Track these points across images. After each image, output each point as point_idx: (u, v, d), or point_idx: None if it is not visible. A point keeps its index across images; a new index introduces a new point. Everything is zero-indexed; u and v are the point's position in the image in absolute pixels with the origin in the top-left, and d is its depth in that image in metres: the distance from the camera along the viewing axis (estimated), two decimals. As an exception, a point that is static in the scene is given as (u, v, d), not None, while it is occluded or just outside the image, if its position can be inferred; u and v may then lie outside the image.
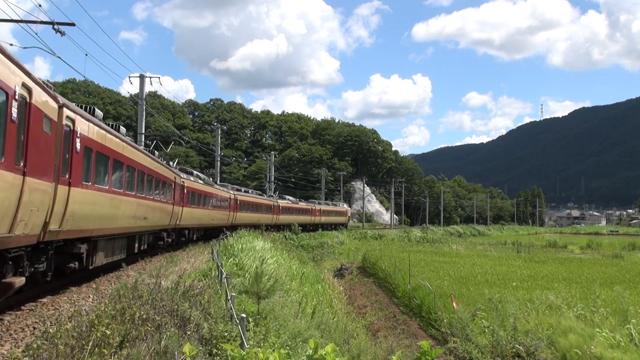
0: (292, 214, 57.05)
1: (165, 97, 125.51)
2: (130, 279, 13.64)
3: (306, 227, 58.75)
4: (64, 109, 10.96)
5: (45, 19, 17.66)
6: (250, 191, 43.72)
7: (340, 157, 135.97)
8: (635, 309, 13.45)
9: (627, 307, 12.69)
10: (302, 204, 63.62)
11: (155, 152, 23.95)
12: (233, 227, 37.57)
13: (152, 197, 19.35)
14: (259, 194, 47.49)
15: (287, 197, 62.01)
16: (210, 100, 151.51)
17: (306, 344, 9.21)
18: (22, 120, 8.56)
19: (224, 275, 12.13)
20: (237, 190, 41.34)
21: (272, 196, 53.83)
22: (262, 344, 8.06)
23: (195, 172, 32.01)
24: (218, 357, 6.93)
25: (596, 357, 10.00)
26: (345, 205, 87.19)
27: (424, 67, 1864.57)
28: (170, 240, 24.66)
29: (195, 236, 31.51)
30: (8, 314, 9.50)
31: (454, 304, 14.67)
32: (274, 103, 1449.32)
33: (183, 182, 26.22)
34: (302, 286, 19.61)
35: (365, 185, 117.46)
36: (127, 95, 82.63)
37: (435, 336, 14.72)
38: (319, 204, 71.59)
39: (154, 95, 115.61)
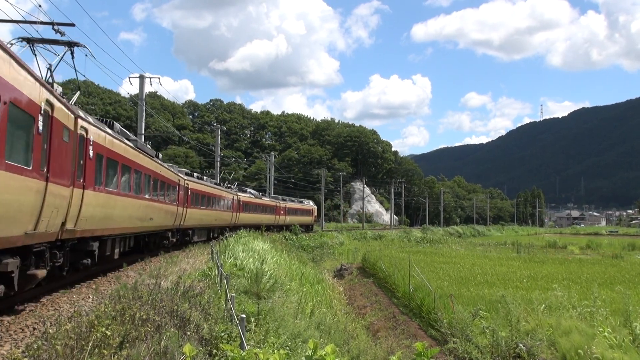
0: (254, 211, 47.36)
1: (165, 98, 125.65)
2: (130, 279, 13.65)
3: (268, 229, 46.83)
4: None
5: (45, 19, 17.63)
6: (205, 178, 34.20)
7: (340, 157, 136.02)
8: (636, 309, 13.44)
9: (629, 307, 12.67)
10: (266, 200, 53.58)
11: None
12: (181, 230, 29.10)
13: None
14: (216, 184, 37.22)
15: (249, 190, 51.99)
16: (210, 100, 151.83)
17: (306, 344, 9.20)
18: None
19: (223, 276, 12.12)
20: (188, 175, 29.75)
21: (230, 187, 42.36)
22: (261, 345, 8.06)
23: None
24: (218, 358, 6.92)
25: (596, 358, 9.99)
26: (311, 203, 76.22)
27: (424, 68, 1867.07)
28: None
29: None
30: (8, 315, 9.50)
31: (452, 305, 14.67)
32: (274, 103, 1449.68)
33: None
34: (302, 286, 19.60)
35: (365, 185, 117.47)
36: (127, 95, 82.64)
37: (435, 337, 14.71)
38: (284, 200, 62.33)
39: (153, 95, 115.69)
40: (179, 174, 26.04)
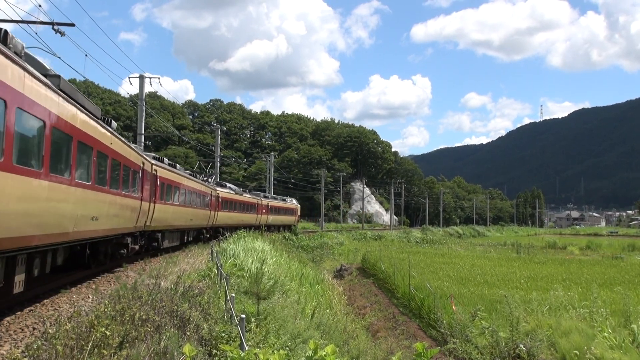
0: (234, 209, 40.37)
1: (165, 98, 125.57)
2: (130, 279, 13.64)
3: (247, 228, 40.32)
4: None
5: (45, 19, 17.66)
6: (177, 166, 26.92)
7: (339, 157, 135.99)
8: (636, 310, 13.44)
9: (629, 307, 12.67)
10: (247, 197, 45.99)
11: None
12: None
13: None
14: (191, 174, 30.47)
15: (229, 184, 43.46)
16: (210, 100, 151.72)
17: (306, 345, 9.20)
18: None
19: (223, 276, 12.12)
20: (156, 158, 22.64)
21: (207, 180, 35.87)
22: (261, 345, 8.05)
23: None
24: (218, 358, 6.92)
25: (596, 358, 9.99)
26: (294, 201, 68.32)
27: (424, 68, 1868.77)
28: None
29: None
30: (8, 315, 9.49)
31: (453, 306, 14.67)
32: (274, 104, 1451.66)
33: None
34: (302, 287, 19.60)
35: (365, 186, 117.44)
36: (127, 95, 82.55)
37: (435, 337, 14.71)
38: (265, 197, 54.46)
39: (153, 95, 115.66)
40: (144, 156, 19.60)
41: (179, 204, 24.72)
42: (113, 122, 15.00)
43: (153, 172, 20.34)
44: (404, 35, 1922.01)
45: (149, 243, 21.52)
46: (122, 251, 17.35)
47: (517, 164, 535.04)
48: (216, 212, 34.22)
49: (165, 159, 24.48)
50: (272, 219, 53.21)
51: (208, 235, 33.71)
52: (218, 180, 43.99)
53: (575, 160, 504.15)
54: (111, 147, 14.17)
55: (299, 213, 68.39)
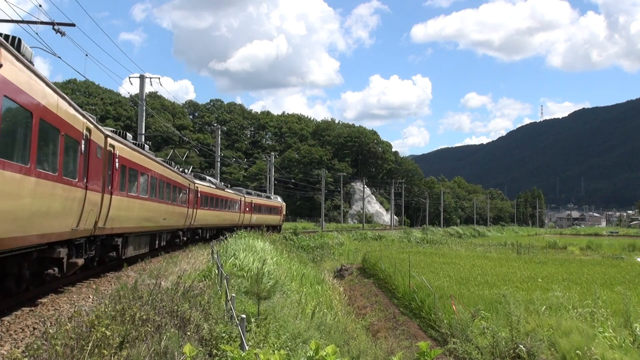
0: (215, 206, 34.13)
1: (166, 98, 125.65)
2: (130, 279, 13.64)
3: (228, 230, 36.09)
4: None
5: (46, 19, 17.65)
6: (146, 147, 21.40)
7: (340, 158, 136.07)
8: (636, 310, 13.43)
9: (629, 308, 12.66)
10: (230, 192, 39.26)
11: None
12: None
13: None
14: (165, 161, 25.14)
15: (208, 177, 37.56)
16: (211, 101, 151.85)
17: (306, 345, 9.20)
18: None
19: (223, 276, 12.12)
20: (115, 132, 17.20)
21: (183, 171, 28.93)
22: (262, 345, 8.05)
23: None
24: (218, 358, 6.92)
25: (597, 358, 9.98)
26: (279, 199, 62.65)
27: (424, 68, 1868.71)
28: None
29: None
30: (8, 315, 9.49)
31: (454, 307, 14.66)
32: (274, 104, 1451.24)
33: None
34: (302, 287, 19.61)
35: (365, 186, 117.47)
36: (127, 95, 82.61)
37: (435, 337, 14.71)
38: (249, 193, 48.26)
39: (154, 95, 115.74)
40: (92, 120, 13.23)
41: (147, 198, 19.16)
42: (25, 44, 9.53)
43: (109, 148, 14.49)
44: (404, 35, 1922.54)
45: (104, 253, 15.61)
46: (51, 271, 11.03)
47: (517, 164, 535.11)
48: (195, 210, 28.28)
49: (128, 134, 18.21)
50: (257, 218, 47.16)
51: (185, 239, 28.03)
52: (218, 180, 43.83)
53: (575, 160, 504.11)
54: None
55: (284, 212, 63.14)
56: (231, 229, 35.45)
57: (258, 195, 52.98)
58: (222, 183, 42.88)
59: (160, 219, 21.28)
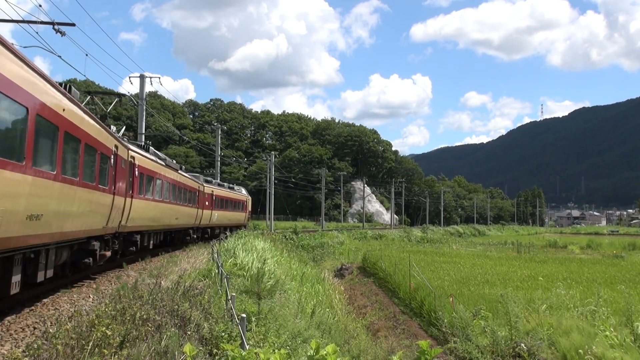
0: (161, 196, 21.37)
1: (166, 97, 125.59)
2: (131, 279, 13.64)
3: (181, 233, 27.86)
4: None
5: (46, 19, 17.65)
6: (73, 91, 12.08)
7: (340, 157, 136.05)
8: (637, 309, 13.42)
9: (631, 306, 12.64)
10: (184, 176, 26.41)
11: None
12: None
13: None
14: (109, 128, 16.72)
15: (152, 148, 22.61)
16: (211, 100, 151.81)
17: (306, 344, 9.20)
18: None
19: (224, 275, 12.12)
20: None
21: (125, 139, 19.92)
22: (262, 344, 8.05)
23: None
24: (218, 357, 6.92)
25: (597, 357, 9.98)
26: (243, 191, 49.30)
27: (424, 67, 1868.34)
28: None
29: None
30: (8, 314, 9.49)
31: (453, 306, 14.66)
32: (274, 103, 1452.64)
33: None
34: (303, 286, 19.61)
35: (366, 185, 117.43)
36: (127, 95, 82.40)
37: (436, 336, 14.71)
38: (207, 182, 34.94)
39: (154, 95, 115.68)
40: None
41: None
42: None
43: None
44: (404, 34, 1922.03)
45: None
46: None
47: (517, 163, 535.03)
48: (125, 201, 16.53)
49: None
50: (218, 216, 35.79)
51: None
52: (218, 180, 43.60)
53: (575, 159, 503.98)
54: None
55: (249, 208, 49.19)
56: (182, 231, 27.15)
57: (220, 185, 39.18)
58: (176, 162, 27.93)
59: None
